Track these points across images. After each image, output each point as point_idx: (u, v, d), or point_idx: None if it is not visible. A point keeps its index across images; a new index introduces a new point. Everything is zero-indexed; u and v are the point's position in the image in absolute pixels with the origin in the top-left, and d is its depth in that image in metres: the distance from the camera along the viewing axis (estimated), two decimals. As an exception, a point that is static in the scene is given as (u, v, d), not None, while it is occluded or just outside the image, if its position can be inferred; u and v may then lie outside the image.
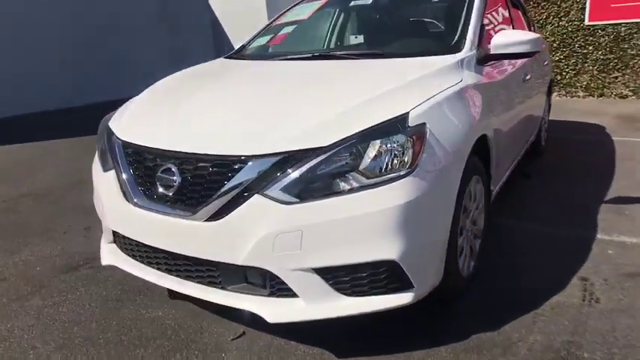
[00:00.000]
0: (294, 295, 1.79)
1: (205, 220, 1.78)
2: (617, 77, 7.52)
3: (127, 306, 2.39)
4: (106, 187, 2.14)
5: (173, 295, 2.38)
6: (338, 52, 2.56)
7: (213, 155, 1.80)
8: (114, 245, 2.30)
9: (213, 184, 1.79)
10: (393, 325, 2.11)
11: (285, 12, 3.42)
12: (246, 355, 1.98)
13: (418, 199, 1.74)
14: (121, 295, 2.49)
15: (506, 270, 2.57)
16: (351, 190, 1.70)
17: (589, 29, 7.52)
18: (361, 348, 1.99)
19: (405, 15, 3.05)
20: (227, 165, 1.77)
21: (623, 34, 7.30)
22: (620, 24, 7.29)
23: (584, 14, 7.50)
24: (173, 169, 1.86)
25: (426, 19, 2.92)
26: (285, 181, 1.71)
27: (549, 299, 2.29)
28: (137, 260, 2.15)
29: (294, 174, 1.71)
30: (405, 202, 1.71)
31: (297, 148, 1.72)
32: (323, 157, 1.71)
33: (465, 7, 2.76)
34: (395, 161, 1.74)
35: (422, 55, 2.44)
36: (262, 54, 3.10)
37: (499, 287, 2.41)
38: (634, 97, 7.49)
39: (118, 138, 2.13)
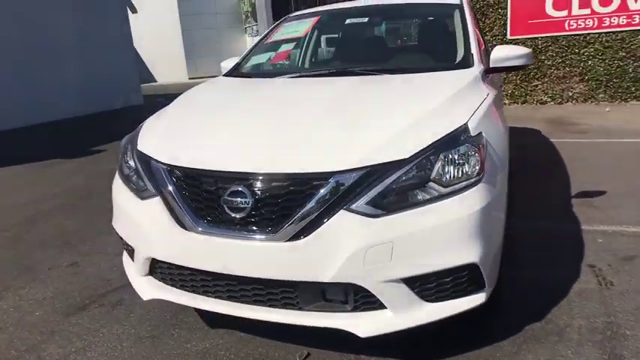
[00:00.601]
0: (379, 307, 1.80)
1: (287, 241, 1.74)
2: (537, 85, 8.37)
3: (165, 342, 2.24)
4: (150, 216, 1.99)
5: (214, 323, 2.28)
6: (357, 69, 2.62)
7: (292, 173, 1.76)
8: (151, 278, 2.15)
9: (292, 202, 1.75)
10: (448, 330, 2.15)
11: (271, 31, 3.41)
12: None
13: (489, 203, 1.84)
14: (153, 331, 2.32)
15: (518, 264, 2.74)
16: (431, 200, 1.76)
17: (511, 43, 8.30)
18: (431, 355, 2.04)
19: (406, 32, 3.19)
20: (306, 182, 1.75)
21: (540, 47, 8.15)
22: (537, 38, 8.14)
23: (506, 29, 8.28)
24: (243, 191, 1.79)
25: (427, 36, 3.08)
26: (371, 194, 1.72)
27: (572, 287, 2.50)
28: (188, 290, 2.03)
29: (378, 187, 1.73)
30: (481, 208, 1.80)
31: (382, 162, 1.75)
32: (405, 168, 1.75)
33: (460, 23, 2.95)
34: (465, 169, 1.82)
35: (436, 70, 2.57)
36: (274, 71, 3.07)
37: (522, 281, 2.58)
38: (552, 103, 8.37)
39: (160, 162, 2.00)
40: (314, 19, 3.22)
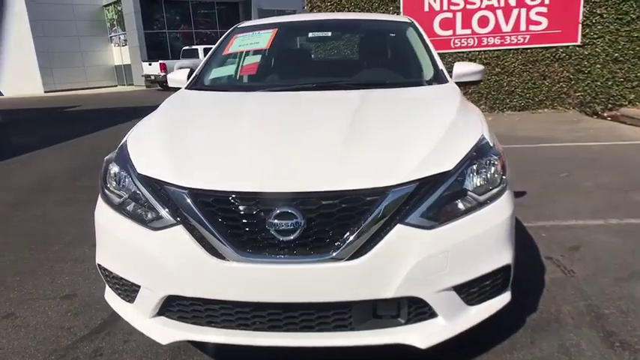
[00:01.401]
0: (429, 316, 1.83)
1: (346, 260, 1.69)
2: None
3: (181, 386, 2.00)
4: (169, 248, 1.78)
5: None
6: (342, 82, 2.61)
7: (347, 190, 1.71)
8: (163, 318, 1.91)
9: (347, 220, 1.71)
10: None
11: (225, 42, 3.26)
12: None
13: (513, 208, 1.99)
14: (159, 377, 2.06)
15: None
16: (473, 209, 1.84)
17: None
18: (471, 352, 2.12)
19: (373, 48, 3.27)
20: (360, 199, 1.72)
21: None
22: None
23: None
24: (293, 212, 1.69)
25: (395, 52, 3.20)
26: (423, 207, 1.75)
27: (544, 277, 2.78)
28: (218, 327, 1.84)
29: (430, 199, 1.76)
30: (511, 213, 1.94)
31: (431, 174, 1.78)
32: (451, 180, 1.81)
33: (419, 40, 3.14)
34: (493, 178, 1.94)
35: (419, 85, 2.70)
36: (250, 85, 2.93)
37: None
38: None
39: (181, 187, 1.79)
40: (272, 31, 3.14)
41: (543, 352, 2.13)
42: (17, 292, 2.87)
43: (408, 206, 1.73)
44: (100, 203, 2.05)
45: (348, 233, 1.70)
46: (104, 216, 2.01)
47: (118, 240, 1.94)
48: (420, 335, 1.79)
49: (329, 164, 1.83)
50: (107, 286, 2.17)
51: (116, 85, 26.78)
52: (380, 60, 3.23)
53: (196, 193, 1.77)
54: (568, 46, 8.56)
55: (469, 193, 1.86)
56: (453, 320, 1.84)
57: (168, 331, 1.87)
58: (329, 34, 3.36)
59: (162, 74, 20.30)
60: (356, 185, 1.73)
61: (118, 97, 19.15)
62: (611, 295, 2.56)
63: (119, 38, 26.57)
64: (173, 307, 1.87)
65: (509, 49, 8.64)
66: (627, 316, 2.36)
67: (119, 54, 26.72)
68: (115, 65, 27.09)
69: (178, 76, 3.14)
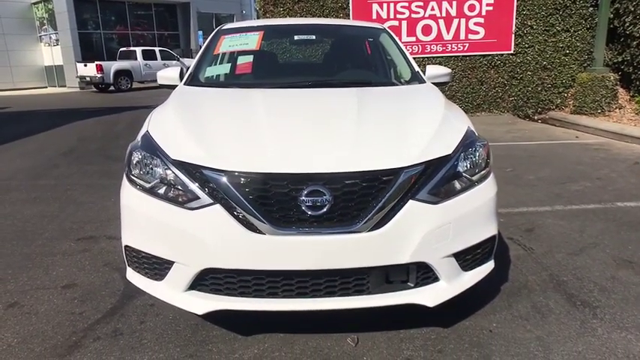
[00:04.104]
0: (433, 280, 2.12)
1: (369, 231, 1.94)
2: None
3: (209, 357, 2.15)
4: (208, 226, 1.96)
5: (246, 331, 2.30)
6: (334, 81, 2.87)
7: (369, 171, 1.97)
8: (195, 292, 2.07)
9: (368, 197, 1.96)
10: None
11: (213, 43, 3.42)
12: (391, 347, 2.17)
13: (497, 188, 2.33)
14: (186, 351, 2.20)
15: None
16: (467, 188, 2.16)
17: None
18: (451, 322, 2.43)
19: (355, 51, 3.56)
20: (378, 178, 1.98)
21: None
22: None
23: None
24: (322, 190, 1.93)
25: (374, 55, 3.51)
26: (430, 185, 2.04)
27: (509, 254, 3.18)
28: (250, 296, 2.04)
29: (435, 179, 2.06)
30: (495, 192, 2.29)
31: (436, 157, 2.08)
32: (451, 162, 2.13)
33: (394, 44, 3.46)
34: (480, 162, 2.27)
35: (401, 84, 3.02)
36: (250, 82, 3.16)
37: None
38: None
39: (219, 170, 1.97)
40: (259, 33, 3.34)
41: (520, 312, 2.49)
42: (13, 283, 2.86)
43: (417, 185, 2.02)
44: (128, 187, 2.17)
45: (368, 208, 1.95)
46: (134, 199, 2.14)
47: (150, 221, 2.08)
48: (428, 296, 2.08)
49: (350, 148, 2.08)
50: (129, 268, 2.28)
51: (46, 87, 25.37)
52: (362, 61, 3.53)
53: (233, 175, 1.96)
54: (503, 54, 9.33)
55: (463, 174, 2.18)
56: (452, 283, 2.15)
57: (203, 302, 2.03)
58: (313, 37, 3.61)
59: (99, 75, 19.60)
60: (375, 166, 1.99)
61: (51, 98, 18.21)
62: (567, 266, 2.99)
63: (50, 38, 25.22)
64: (206, 280, 2.04)
65: (451, 57, 9.28)
66: (582, 282, 2.78)
67: (49, 54, 25.34)
68: (45, 66, 25.65)
69: (169, 73, 3.25)
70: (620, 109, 8.62)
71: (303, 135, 2.21)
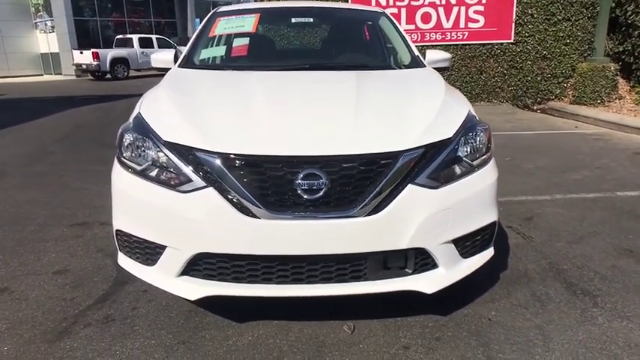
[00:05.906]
0: (431, 267, 2.07)
1: (366, 215, 1.89)
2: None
3: (202, 344, 2.11)
4: (200, 209, 1.90)
5: (241, 318, 2.25)
6: (332, 64, 2.80)
7: (366, 154, 1.91)
8: (187, 277, 2.02)
9: (365, 180, 1.90)
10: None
11: (207, 26, 3.34)
12: (388, 335, 2.13)
13: (497, 174, 2.28)
14: (178, 338, 2.15)
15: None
16: (468, 173, 2.11)
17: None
18: (451, 308, 2.39)
19: (354, 34, 3.48)
20: (376, 162, 1.92)
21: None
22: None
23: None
24: (318, 173, 1.87)
25: (373, 38, 3.43)
26: (429, 169, 1.98)
27: (508, 243, 3.14)
28: (244, 282, 1.99)
29: (434, 163, 2.00)
30: (496, 177, 2.23)
31: (436, 141, 2.02)
32: (451, 146, 2.07)
33: (393, 28, 3.39)
34: (481, 147, 2.22)
35: (401, 68, 2.95)
36: (247, 65, 3.07)
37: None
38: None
39: (212, 152, 1.90)
40: (255, 16, 3.26)
41: (519, 300, 2.45)
42: (4, 269, 2.80)
43: (416, 168, 1.96)
44: (119, 170, 2.11)
45: (366, 192, 1.90)
46: (125, 182, 2.08)
47: (142, 204, 2.02)
48: (427, 283, 2.04)
49: (348, 130, 2.02)
50: (120, 253, 2.23)
51: (42, 74, 25.15)
52: (361, 45, 3.46)
53: (227, 157, 1.90)
54: (502, 43, 9.24)
55: (464, 159, 2.12)
56: (451, 270, 2.10)
57: (196, 288, 1.98)
58: (311, 20, 3.52)
59: (96, 63, 19.43)
60: (373, 149, 1.93)
61: (47, 86, 18.04)
62: (567, 254, 2.95)
63: (45, 24, 24.95)
64: (199, 265, 1.99)
65: (450, 45, 9.19)
66: (582, 270, 2.74)
67: (45, 41, 25.09)
68: (40, 53, 25.41)
69: (164, 56, 3.18)
70: (619, 99, 8.56)
71: (300, 117, 2.14)
